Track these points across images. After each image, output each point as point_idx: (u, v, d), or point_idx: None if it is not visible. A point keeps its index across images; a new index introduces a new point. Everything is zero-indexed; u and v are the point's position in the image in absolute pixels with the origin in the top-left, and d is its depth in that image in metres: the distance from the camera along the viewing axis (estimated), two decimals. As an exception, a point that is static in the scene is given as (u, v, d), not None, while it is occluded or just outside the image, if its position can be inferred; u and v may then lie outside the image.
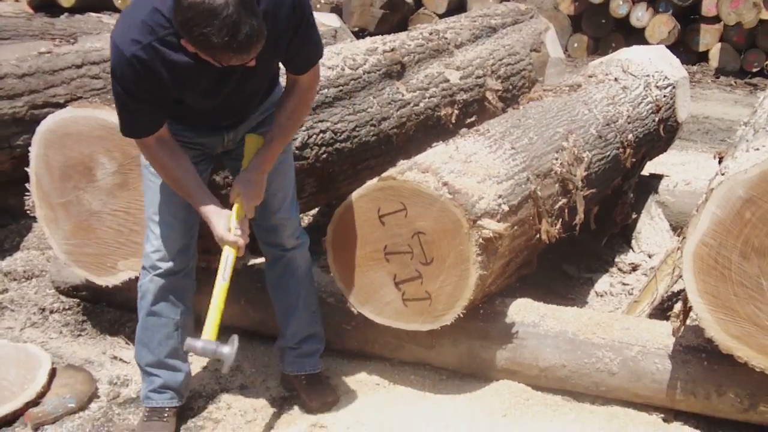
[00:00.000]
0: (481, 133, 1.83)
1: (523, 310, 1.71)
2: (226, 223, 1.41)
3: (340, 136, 1.96)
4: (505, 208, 1.63)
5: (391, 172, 1.61)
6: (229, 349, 1.36)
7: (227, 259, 1.41)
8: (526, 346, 1.66)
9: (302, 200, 1.97)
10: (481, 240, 1.54)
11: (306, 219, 2.61)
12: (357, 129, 2.03)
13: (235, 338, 1.39)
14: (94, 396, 1.61)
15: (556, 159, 1.89)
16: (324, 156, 1.92)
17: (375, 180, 1.62)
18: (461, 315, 1.59)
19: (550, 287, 2.14)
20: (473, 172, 1.64)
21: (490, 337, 1.69)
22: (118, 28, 1.30)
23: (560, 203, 1.87)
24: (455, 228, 1.54)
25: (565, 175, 1.88)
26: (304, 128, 1.92)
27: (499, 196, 1.64)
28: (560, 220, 1.85)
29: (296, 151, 1.83)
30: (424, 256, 1.58)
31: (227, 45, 1.20)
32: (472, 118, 2.33)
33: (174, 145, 1.42)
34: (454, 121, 2.27)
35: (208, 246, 1.53)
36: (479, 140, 1.79)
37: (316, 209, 2.53)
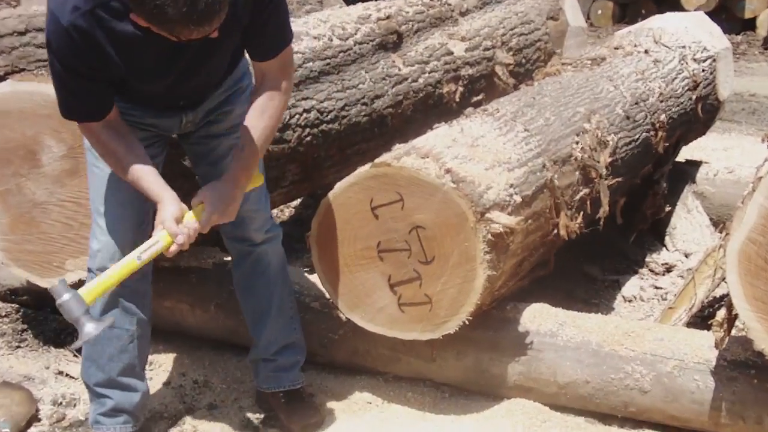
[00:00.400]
0: (490, 113, 1.82)
1: (538, 317, 1.71)
2: (177, 212, 1.35)
3: (326, 116, 1.96)
4: (518, 199, 1.63)
5: (386, 157, 1.60)
6: (93, 327, 1.25)
7: (155, 244, 1.34)
8: (542, 359, 1.66)
9: (283, 190, 1.96)
10: (489, 236, 1.53)
11: (287, 211, 2.60)
12: (346, 108, 2.01)
13: (109, 319, 1.30)
14: (34, 419, 1.56)
15: (577, 143, 1.87)
16: (308, 139, 1.92)
17: (367, 166, 1.61)
18: (466, 322, 1.59)
19: (570, 291, 2.14)
20: (480, 158, 1.63)
21: (500, 348, 1.69)
22: None
23: (581, 194, 1.85)
24: (460, 222, 1.54)
25: (586, 162, 1.87)
26: (284, 106, 1.95)
27: (511, 186, 1.63)
28: (581, 213, 1.84)
29: (275, 133, 1.81)
30: (423, 255, 1.58)
31: (186, 16, 1.15)
32: (479, 96, 2.30)
33: (124, 128, 1.38)
34: (458, 100, 2.24)
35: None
36: (487, 121, 1.79)
37: (299, 200, 2.53)
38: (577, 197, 1.84)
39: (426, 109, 2.18)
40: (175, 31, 1.18)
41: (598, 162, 1.90)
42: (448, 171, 1.55)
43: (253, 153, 1.41)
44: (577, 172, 1.86)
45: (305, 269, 1.85)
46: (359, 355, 1.77)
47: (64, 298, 1.26)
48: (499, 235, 1.54)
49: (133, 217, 1.45)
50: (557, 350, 1.65)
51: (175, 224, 1.35)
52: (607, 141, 1.95)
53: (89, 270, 1.47)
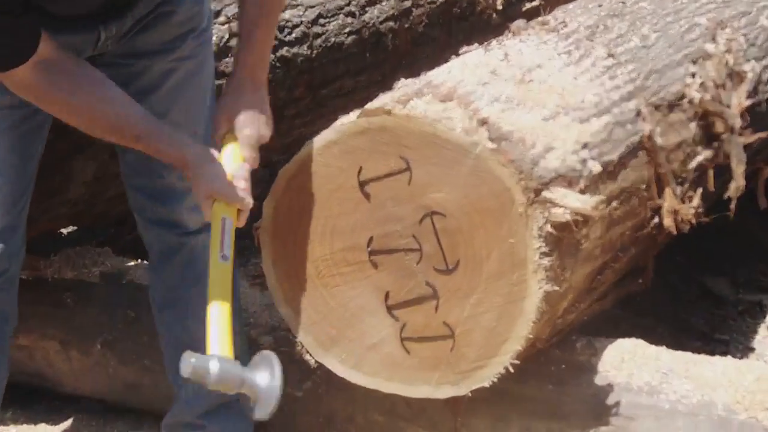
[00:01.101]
0: (552, 29, 1.87)
1: (629, 363, 1.74)
2: (223, 172, 1.50)
3: (289, 33, 2.06)
4: (596, 167, 1.64)
5: (384, 101, 1.63)
6: (268, 378, 1.39)
7: (226, 229, 1.51)
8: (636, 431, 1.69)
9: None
10: (549, 228, 1.55)
11: None
12: (322, 22, 2.06)
13: (272, 358, 1.42)
14: None
15: (693, 76, 1.90)
16: None
17: (353, 116, 1.64)
18: (511, 370, 1.60)
19: (682, 319, 2.24)
20: (536, 102, 1.65)
21: (565, 413, 1.71)
22: None
23: (699, 159, 1.89)
24: (501, 205, 1.55)
25: (708, 107, 1.89)
26: (223, 21, 1.94)
27: (584, 146, 1.64)
28: (700, 190, 1.89)
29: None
30: (442, 258, 1.60)
31: None
32: (534, 2, 2.33)
33: (80, 63, 1.44)
34: (500, 7, 2.29)
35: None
36: (548, 41, 1.82)
37: None
38: (693, 164, 1.86)
39: (448, 23, 2.24)
40: None
41: (728, 107, 1.91)
42: (483, 122, 1.56)
43: (267, 31, 1.59)
44: (692, 124, 1.87)
45: (252, 281, 1.94)
46: (338, 423, 1.82)
47: (211, 370, 1.37)
48: (566, 226, 1.55)
49: (8, 188, 1.50)
50: (660, 417, 1.66)
51: (233, 188, 1.51)
52: (744, 72, 1.96)
53: None
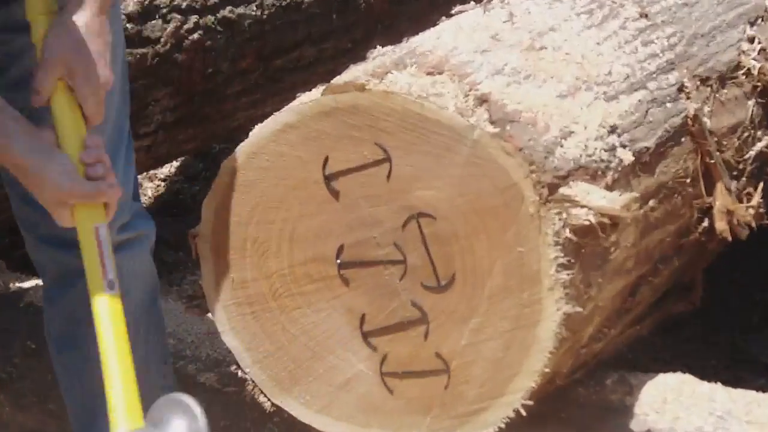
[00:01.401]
0: None
1: (674, 403, 1.74)
2: (70, 165, 1.42)
3: None
4: (626, 156, 1.65)
5: (356, 73, 1.65)
6: (188, 425, 1.37)
7: (102, 242, 1.43)
8: None
9: (142, 142, 2.01)
10: (568, 233, 1.55)
11: (149, 188, 2.76)
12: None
13: (186, 402, 1.39)
14: None
15: (751, 41, 1.93)
16: (194, 37, 2.04)
17: (315, 92, 1.65)
18: (522, 413, 1.60)
19: (739, 347, 2.21)
20: (549, 74, 1.67)
21: None
22: None
23: (761, 146, 1.92)
24: (507, 204, 1.56)
25: (769, 79, 1.92)
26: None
27: (612, 130, 1.66)
28: (760, 186, 1.90)
29: (128, 29, 1.87)
30: (432, 271, 1.60)
31: None
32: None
33: None
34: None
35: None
36: (564, -2, 1.83)
37: (174, 165, 2.77)
38: (752, 153, 1.88)
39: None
40: None
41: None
42: (482, 100, 1.57)
43: None
44: (750, 102, 1.89)
45: (188, 303, 1.85)
46: None
47: None
48: (589, 230, 1.55)
49: None
50: None
51: (88, 183, 1.42)
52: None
53: None
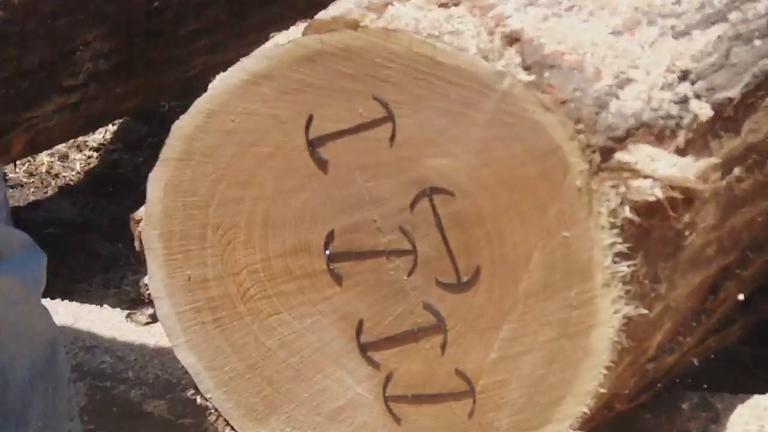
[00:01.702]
0: None
1: None
2: None
3: None
4: (703, 111, 1.66)
5: (347, 5, 1.65)
6: None
7: None
8: None
9: (68, 97, 2.03)
10: (628, 212, 1.55)
11: (77, 160, 2.74)
12: None
13: None
14: None
15: None
16: None
17: (294, 31, 1.66)
18: None
19: None
20: (599, 3, 1.68)
21: None
22: None
23: None
24: (547, 175, 1.57)
25: None
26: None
27: (683, 76, 1.66)
28: None
29: None
30: (450, 264, 1.60)
31: None
32: None
33: None
34: None
35: None
36: None
37: (110, 128, 2.70)
38: None
39: None
40: None
41: None
42: (513, 39, 1.58)
43: None
44: None
45: (129, 308, 1.88)
46: None
47: None
48: (656, 208, 1.56)
49: None
50: None
51: None
52: None
53: None
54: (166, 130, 1.69)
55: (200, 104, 1.65)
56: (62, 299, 2.06)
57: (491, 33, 1.56)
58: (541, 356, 1.58)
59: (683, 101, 1.62)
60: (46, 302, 1.93)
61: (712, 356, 1.83)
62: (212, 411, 1.71)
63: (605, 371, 1.55)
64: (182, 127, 1.65)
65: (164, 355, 1.84)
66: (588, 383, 1.56)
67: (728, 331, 1.83)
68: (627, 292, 1.54)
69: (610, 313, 1.54)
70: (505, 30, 1.57)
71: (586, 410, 1.57)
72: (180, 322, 1.69)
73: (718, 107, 1.66)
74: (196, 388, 1.72)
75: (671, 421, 1.75)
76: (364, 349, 1.64)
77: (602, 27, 1.63)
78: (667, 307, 1.61)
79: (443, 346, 1.61)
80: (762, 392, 1.78)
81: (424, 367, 1.63)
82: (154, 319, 1.74)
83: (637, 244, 1.54)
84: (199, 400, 1.73)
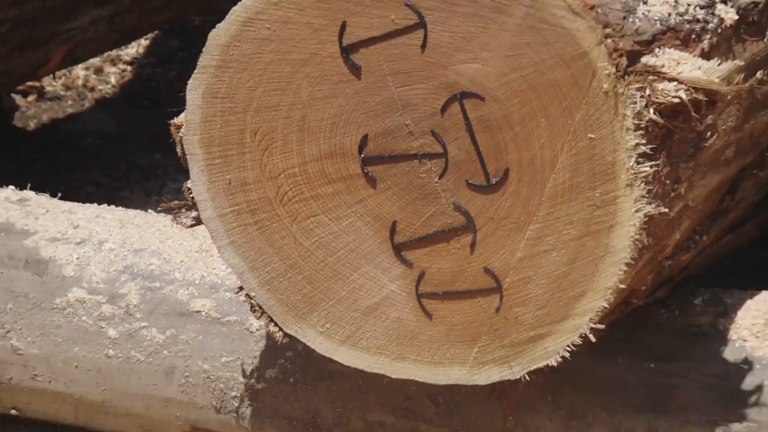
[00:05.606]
0: None
1: None
2: None
3: None
4: (728, 14, 1.64)
5: None
6: None
7: None
8: None
9: (102, 10, 2.05)
10: (652, 114, 1.55)
11: (111, 72, 2.64)
12: None
13: None
14: None
15: None
16: None
17: None
18: (590, 341, 1.60)
19: None
20: None
21: (676, 403, 1.74)
22: None
23: None
24: (574, 78, 1.55)
25: None
26: None
27: None
28: None
29: None
30: (480, 166, 1.61)
31: None
32: None
33: None
34: None
35: None
36: None
37: (142, 42, 2.88)
38: None
39: None
40: None
41: None
42: None
43: None
44: None
45: (173, 215, 1.85)
46: (322, 427, 1.84)
47: None
48: (680, 110, 1.55)
49: None
50: None
51: None
52: None
53: None
54: (197, 44, 1.68)
55: (236, 13, 1.62)
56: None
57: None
58: (564, 254, 1.58)
59: (709, 6, 1.60)
60: (98, 208, 1.93)
61: (726, 255, 1.83)
62: (257, 308, 1.72)
63: (625, 268, 1.55)
64: (219, 35, 1.64)
65: (208, 256, 1.86)
66: (608, 279, 1.56)
67: (742, 230, 1.82)
68: (649, 192, 1.53)
69: (631, 212, 1.53)
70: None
71: (606, 305, 1.57)
72: (223, 224, 1.69)
73: (743, 12, 1.64)
74: (239, 287, 1.73)
75: (684, 315, 1.76)
76: (397, 249, 1.64)
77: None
78: (686, 207, 1.61)
79: (472, 246, 1.61)
80: (768, 288, 1.79)
81: (454, 266, 1.63)
82: (197, 221, 1.73)
83: (660, 146, 1.54)
84: (243, 299, 1.74)
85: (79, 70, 2.83)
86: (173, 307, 1.87)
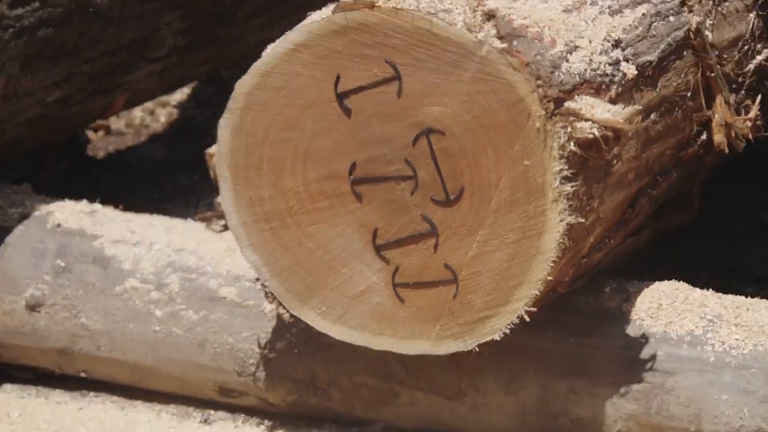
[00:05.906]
0: None
1: (668, 309, 1.75)
2: None
3: None
4: (630, 70, 1.64)
5: None
6: None
7: None
8: (674, 391, 1.69)
9: (154, 66, 2.03)
10: (573, 146, 1.55)
11: (162, 114, 2.77)
12: None
13: None
14: None
15: None
16: None
17: (325, 11, 1.64)
18: (526, 319, 1.61)
19: (731, 258, 2.18)
20: None
21: (591, 369, 1.73)
22: None
23: (760, 59, 1.89)
24: (514, 119, 1.56)
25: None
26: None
27: (616, 44, 1.65)
28: (758, 99, 1.89)
29: None
30: (441, 186, 1.61)
31: None
32: None
33: None
34: None
35: None
36: None
37: (185, 90, 2.79)
38: (751, 66, 1.85)
39: None
40: None
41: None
42: (489, 16, 1.56)
43: None
44: (751, 15, 1.86)
45: (204, 222, 1.91)
46: (319, 388, 1.83)
47: None
48: (593, 143, 1.55)
49: None
50: (704, 371, 1.69)
51: None
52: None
53: None
54: (227, 91, 1.68)
55: (256, 67, 1.64)
56: (157, 216, 2.07)
57: (474, 11, 1.55)
58: (506, 253, 1.58)
59: (616, 63, 1.62)
60: (150, 217, 1.95)
61: (629, 254, 1.84)
62: (269, 295, 1.72)
63: (552, 264, 1.57)
64: (243, 85, 1.65)
65: (233, 254, 1.84)
66: (539, 273, 1.57)
67: (640, 236, 1.83)
68: (570, 206, 1.54)
69: (557, 222, 1.54)
70: (484, 9, 1.56)
71: (537, 293, 1.58)
72: (244, 230, 1.69)
73: (641, 68, 1.66)
74: (256, 278, 1.74)
75: (596, 300, 1.76)
76: (378, 249, 1.64)
77: (557, 6, 1.63)
78: (597, 218, 1.62)
79: (435, 247, 1.61)
80: (660, 280, 1.78)
81: (422, 262, 1.63)
82: (225, 228, 1.75)
83: (578, 171, 1.55)
84: (259, 287, 1.74)
85: (137, 112, 2.83)
86: (205, 294, 1.86)
